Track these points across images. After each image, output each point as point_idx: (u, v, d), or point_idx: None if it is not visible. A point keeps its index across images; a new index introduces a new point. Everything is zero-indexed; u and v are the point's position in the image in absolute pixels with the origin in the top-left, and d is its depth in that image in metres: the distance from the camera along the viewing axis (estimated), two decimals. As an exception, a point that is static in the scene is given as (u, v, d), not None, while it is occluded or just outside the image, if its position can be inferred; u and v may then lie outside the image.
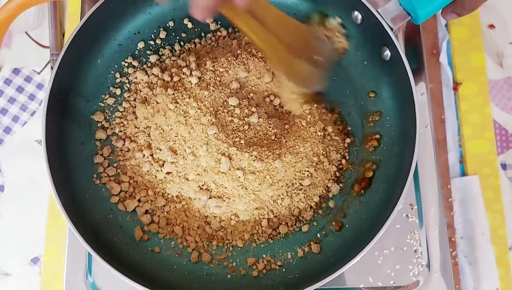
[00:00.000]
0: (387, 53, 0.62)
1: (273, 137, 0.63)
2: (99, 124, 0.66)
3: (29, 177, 0.76)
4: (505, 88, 0.79)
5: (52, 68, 0.76)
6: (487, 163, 0.76)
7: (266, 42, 0.56)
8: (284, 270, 0.60)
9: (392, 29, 0.59)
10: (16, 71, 0.79)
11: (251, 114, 0.63)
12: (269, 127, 0.63)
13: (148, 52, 0.69)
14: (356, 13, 0.64)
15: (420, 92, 0.70)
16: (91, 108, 0.66)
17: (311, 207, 0.63)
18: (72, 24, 0.78)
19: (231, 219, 0.62)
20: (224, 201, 0.61)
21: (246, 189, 0.61)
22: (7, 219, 0.75)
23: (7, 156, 0.77)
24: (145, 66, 0.68)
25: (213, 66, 0.65)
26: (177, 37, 0.70)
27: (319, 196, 0.63)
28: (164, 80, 0.66)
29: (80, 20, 0.62)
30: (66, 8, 0.79)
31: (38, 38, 0.81)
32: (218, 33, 0.70)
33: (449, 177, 0.76)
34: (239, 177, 0.60)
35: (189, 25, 0.70)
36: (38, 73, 0.79)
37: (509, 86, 0.79)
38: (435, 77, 0.79)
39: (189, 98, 0.63)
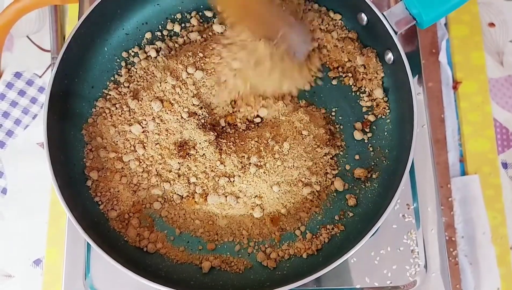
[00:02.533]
0: (390, 56, 0.62)
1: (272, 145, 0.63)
2: (102, 110, 0.66)
3: (31, 179, 0.77)
4: (505, 86, 0.79)
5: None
6: (488, 162, 0.76)
7: None
8: (269, 268, 0.61)
9: (396, 33, 0.59)
10: (17, 74, 0.80)
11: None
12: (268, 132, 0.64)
13: (155, 41, 0.69)
14: (362, 14, 0.64)
15: (416, 91, 0.69)
16: (96, 94, 0.66)
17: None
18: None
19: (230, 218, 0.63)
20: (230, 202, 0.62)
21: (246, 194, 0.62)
22: (10, 221, 0.76)
23: (9, 159, 0.78)
24: (149, 53, 0.69)
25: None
26: (183, 30, 0.70)
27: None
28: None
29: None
30: (66, 12, 0.80)
31: (39, 42, 0.81)
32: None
33: (449, 177, 0.75)
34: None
35: (196, 18, 0.70)
36: (40, 77, 0.80)
37: (509, 85, 0.79)
38: (434, 76, 0.78)
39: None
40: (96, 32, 0.66)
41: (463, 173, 0.76)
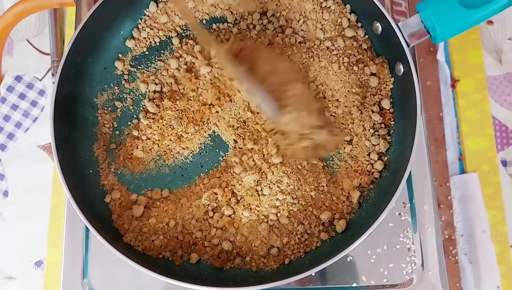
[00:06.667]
0: (400, 68, 0.61)
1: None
2: (103, 106, 0.67)
3: (32, 182, 0.78)
4: (504, 84, 0.78)
5: (53, 74, 0.77)
6: (487, 160, 0.76)
7: None
8: (259, 264, 0.61)
9: (408, 45, 0.58)
10: (18, 78, 0.81)
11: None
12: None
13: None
14: (377, 23, 0.63)
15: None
16: (96, 92, 0.67)
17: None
18: (72, 31, 0.79)
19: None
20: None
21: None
22: (11, 223, 0.76)
23: (11, 161, 0.79)
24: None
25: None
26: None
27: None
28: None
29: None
30: (65, 15, 0.81)
31: (39, 46, 0.82)
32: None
33: (448, 175, 0.75)
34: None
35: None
36: (40, 80, 0.81)
37: (508, 82, 0.78)
38: (432, 75, 0.78)
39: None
40: (105, 25, 0.67)
41: (462, 171, 0.76)
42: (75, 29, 0.62)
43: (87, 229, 0.64)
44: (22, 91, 0.80)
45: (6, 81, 0.80)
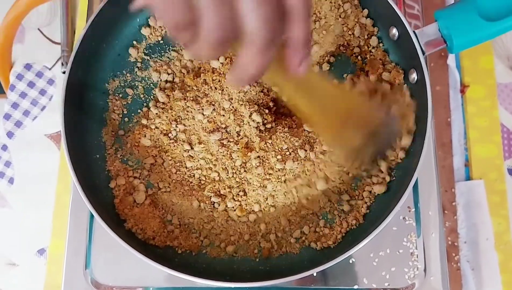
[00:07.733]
0: (414, 76, 0.61)
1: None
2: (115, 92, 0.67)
3: (38, 170, 0.78)
4: (514, 91, 0.78)
5: (62, 64, 0.77)
6: (494, 168, 0.75)
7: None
8: (257, 260, 0.61)
9: (423, 53, 0.58)
10: (28, 66, 0.81)
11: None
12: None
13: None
14: (394, 29, 0.63)
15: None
16: (108, 78, 0.67)
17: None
18: (83, 22, 0.79)
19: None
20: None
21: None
22: (16, 210, 0.77)
23: (17, 149, 0.79)
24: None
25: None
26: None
27: None
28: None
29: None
30: (77, 6, 0.81)
31: (50, 35, 0.82)
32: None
33: (454, 181, 0.75)
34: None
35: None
36: (49, 69, 0.81)
37: (518, 90, 0.78)
38: (442, 80, 0.78)
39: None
40: (113, 20, 0.67)
41: (468, 178, 0.75)
42: (90, 15, 0.63)
43: (91, 219, 0.64)
44: (31, 79, 0.80)
45: (15, 69, 0.80)
